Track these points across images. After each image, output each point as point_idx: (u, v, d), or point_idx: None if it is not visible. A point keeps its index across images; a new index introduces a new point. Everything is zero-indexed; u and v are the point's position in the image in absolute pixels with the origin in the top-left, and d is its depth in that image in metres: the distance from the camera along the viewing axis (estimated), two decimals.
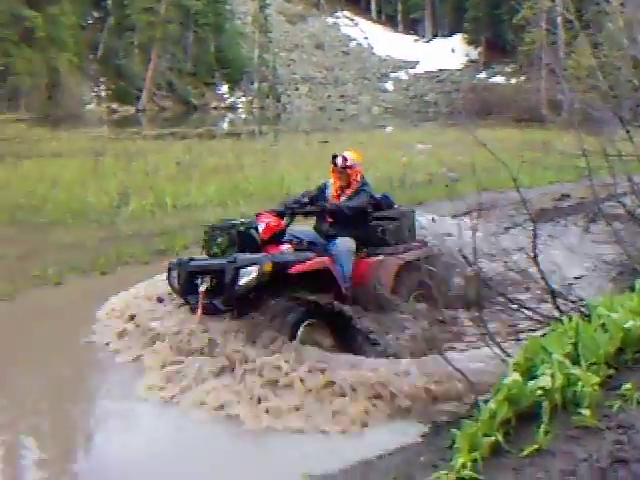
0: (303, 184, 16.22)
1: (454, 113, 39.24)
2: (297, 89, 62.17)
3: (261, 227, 6.80)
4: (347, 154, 7.40)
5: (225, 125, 42.52)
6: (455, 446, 3.94)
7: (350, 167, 7.32)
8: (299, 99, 60.64)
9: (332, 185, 7.51)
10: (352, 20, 74.62)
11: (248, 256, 6.42)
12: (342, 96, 62.57)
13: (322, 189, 7.59)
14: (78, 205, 13.65)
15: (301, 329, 6.24)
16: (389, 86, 65.42)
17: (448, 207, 12.56)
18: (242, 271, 6.26)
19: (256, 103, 56.59)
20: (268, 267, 6.28)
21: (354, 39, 72.10)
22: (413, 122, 45.07)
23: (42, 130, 30.73)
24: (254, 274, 6.24)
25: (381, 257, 7.25)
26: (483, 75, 61.71)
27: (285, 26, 69.50)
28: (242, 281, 6.25)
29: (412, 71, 66.60)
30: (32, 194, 14.64)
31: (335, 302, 6.53)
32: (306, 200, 7.33)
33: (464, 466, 3.59)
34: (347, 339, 6.42)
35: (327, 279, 6.74)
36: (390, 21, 76.82)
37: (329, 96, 62.26)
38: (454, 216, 11.45)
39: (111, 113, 47.63)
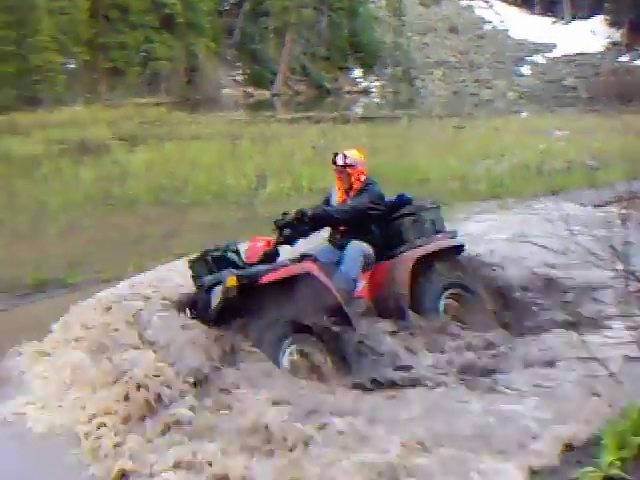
0: (438, 170, 16.09)
1: (594, 98, 37.80)
2: (431, 73, 61.31)
3: (243, 248, 6.38)
4: (347, 152, 6.80)
5: (358, 109, 42.48)
6: (602, 443, 3.81)
7: (350, 166, 6.69)
8: (432, 83, 59.80)
9: (337, 190, 6.92)
10: (487, 2, 72.89)
11: (213, 276, 6.03)
12: (476, 80, 61.28)
13: (327, 196, 7.06)
14: (217, 187, 14.01)
15: (286, 350, 5.77)
16: (525, 70, 63.56)
17: (589, 196, 12.19)
18: (212, 293, 5.96)
19: (389, 87, 56.24)
20: (232, 282, 5.76)
21: (489, 22, 70.38)
22: (550, 108, 43.65)
23: (181, 113, 31.68)
24: (219, 294, 5.86)
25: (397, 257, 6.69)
26: (626, 58, 59.06)
27: (418, 9, 68.63)
28: (213, 303, 5.92)
29: (549, 55, 64.43)
30: (174, 176, 15.17)
31: (323, 316, 5.97)
32: (292, 215, 6.62)
33: (612, 464, 3.46)
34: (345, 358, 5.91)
35: (316, 287, 6.07)
36: (526, 3, 74.43)
37: (463, 80, 61.09)
38: (597, 205, 11.08)
39: (247, 97, 48.55)
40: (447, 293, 6.74)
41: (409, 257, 6.57)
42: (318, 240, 7.15)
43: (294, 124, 27.62)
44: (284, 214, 6.63)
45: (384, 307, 6.51)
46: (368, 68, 58.03)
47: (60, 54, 41.66)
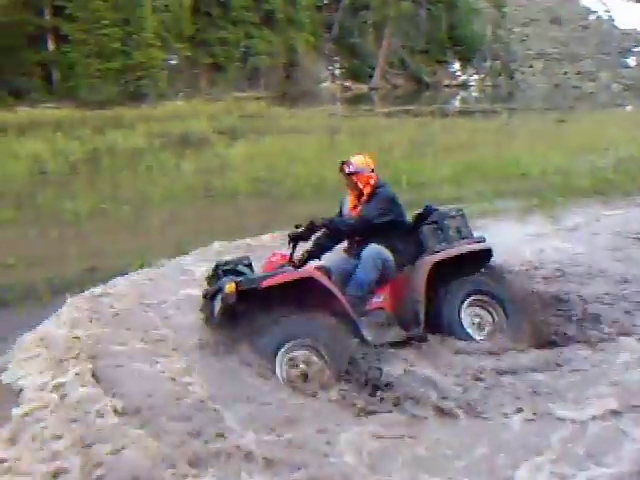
0: (539, 164, 15.73)
1: None
2: (531, 66, 60.20)
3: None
4: (352, 159, 6.54)
5: (457, 103, 42.01)
6: None
7: (355, 173, 6.46)
8: (533, 76, 58.67)
9: (349, 196, 6.72)
10: None
11: (215, 285, 6.07)
12: (579, 73, 59.76)
13: (340, 205, 6.83)
14: (316, 180, 14.05)
15: (283, 358, 5.60)
16: (631, 62, 61.62)
17: None
18: (215, 301, 5.97)
19: (488, 81, 55.43)
20: (230, 288, 5.72)
21: (594, 12, 68.54)
22: None
23: (280, 108, 32.02)
24: (220, 301, 5.85)
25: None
26: None
27: (520, 0, 67.36)
28: (215, 311, 5.95)
29: None
30: (273, 168, 15.34)
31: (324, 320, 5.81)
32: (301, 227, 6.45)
33: None
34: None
35: (320, 293, 5.91)
36: None
37: (565, 73, 59.69)
38: None
39: (345, 91, 48.64)
40: (470, 300, 6.42)
41: (427, 262, 6.30)
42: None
43: (392, 118, 27.54)
44: (296, 227, 6.43)
45: (403, 317, 6.27)
46: (467, 61, 57.36)
47: (163, 50, 42.75)
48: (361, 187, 6.48)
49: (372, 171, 6.57)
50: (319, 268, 6.25)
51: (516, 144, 19.36)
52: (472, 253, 6.50)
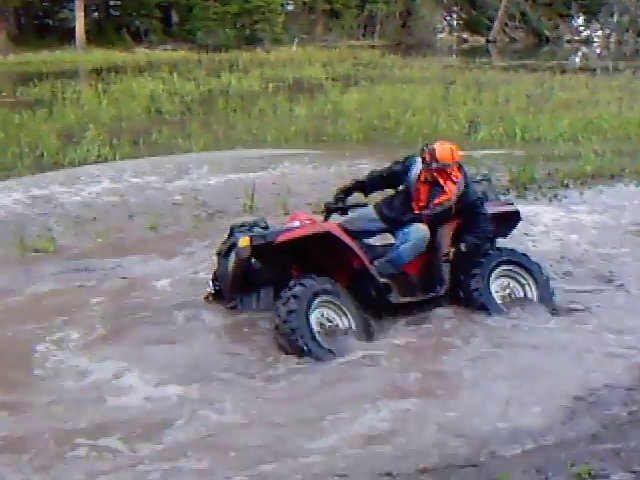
0: None
1: None
2: None
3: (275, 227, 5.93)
4: (437, 151, 5.86)
5: (577, 59, 40.50)
6: None
7: (438, 170, 5.87)
8: None
9: (420, 166, 6.08)
10: None
11: (229, 241, 5.85)
12: None
13: (407, 166, 6.14)
14: (429, 130, 13.89)
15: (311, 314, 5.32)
16: None
17: None
18: (229, 258, 5.74)
19: (614, 37, 53.07)
20: (244, 242, 5.47)
21: None
22: None
23: (395, 57, 31.69)
24: (233, 256, 5.64)
25: None
26: None
27: None
28: (229, 268, 5.72)
29: None
30: (386, 117, 15.23)
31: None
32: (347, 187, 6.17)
33: None
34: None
35: (338, 248, 5.66)
36: None
37: None
38: None
39: (461, 42, 47.61)
40: (499, 271, 6.16)
41: (450, 223, 6.05)
42: None
43: (509, 72, 26.84)
44: (338, 198, 6.16)
45: (428, 279, 6.05)
46: (592, 15, 54.97)
47: None
48: (442, 183, 5.93)
49: (459, 165, 6.02)
50: (339, 224, 5.94)
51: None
52: (499, 217, 6.28)
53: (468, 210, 6.02)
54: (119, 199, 9.61)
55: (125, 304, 6.18)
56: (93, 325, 5.75)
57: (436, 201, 6.00)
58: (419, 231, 5.96)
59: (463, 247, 5.96)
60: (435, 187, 6.00)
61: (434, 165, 5.84)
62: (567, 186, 10.74)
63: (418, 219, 6.04)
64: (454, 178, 5.94)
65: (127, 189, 10.06)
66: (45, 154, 12.06)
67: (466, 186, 6.02)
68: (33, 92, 19.96)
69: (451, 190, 5.95)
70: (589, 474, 3.85)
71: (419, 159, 6.05)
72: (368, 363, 5.20)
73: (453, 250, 5.97)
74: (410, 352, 5.40)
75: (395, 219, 6.12)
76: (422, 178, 6.02)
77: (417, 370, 5.11)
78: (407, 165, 6.15)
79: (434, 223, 6.03)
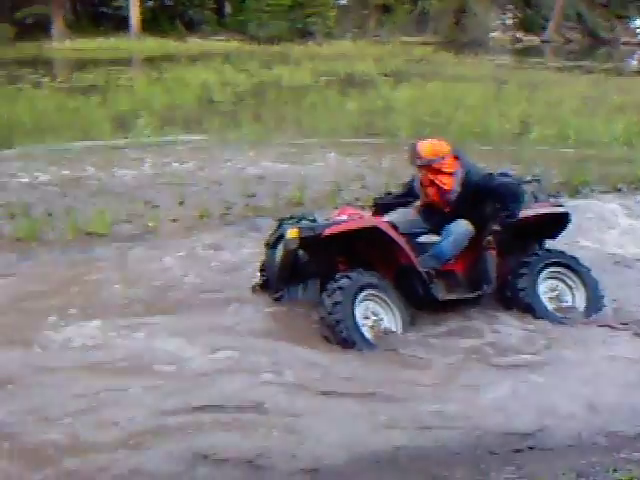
0: None
1: None
2: None
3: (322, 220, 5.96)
4: (420, 145, 5.89)
5: (634, 62, 39.81)
6: None
7: (426, 166, 5.88)
8: None
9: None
10: None
11: (277, 232, 5.93)
12: None
13: (412, 180, 6.38)
14: (480, 128, 13.76)
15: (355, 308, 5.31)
16: None
17: None
18: (277, 249, 5.81)
19: None
20: (293, 234, 5.49)
21: None
22: None
23: (447, 54, 31.47)
24: (281, 248, 5.71)
25: None
26: None
27: None
28: (277, 259, 5.77)
29: None
30: (437, 113, 15.15)
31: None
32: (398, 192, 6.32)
33: None
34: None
35: (385, 244, 5.66)
36: None
37: None
38: None
39: (515, 42, 47.01)
40: (547, 272, 6.07)
41: (487, 239, 5.97)
42: None
43: (564, 73, 26.50)
44: (387, 194, 6.34)
45: (474, 277, 6.01)
46: None
47: None
48: (436, 182, 5.93)
49: (455, 156, 5.99)
50: (387, 221, 5.92)
51: None
52: (548, 218, 6.25)
53: (482, 190, 5.95)
54: None
55: None
56: None
57: (441, 200, 6.03)
58: (460, 226, 5.93)
59: (495, 226, 5.92)
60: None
61: (418, 162, 5.88)
62: (620, 190, 10.59)
63: (444, 214, 6.04)
64: (447, 170, 5.89)
65: None
66: (98, 139, 12.23)
67: (467, 172, 5.96)
68: (88, 78, 20.24)
69: (447, 183, 5.92)
70: None
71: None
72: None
73: (490, 237, 5.94)
74: None
75: (436, 222, 6.10)
76: (424, 182, 6.09)
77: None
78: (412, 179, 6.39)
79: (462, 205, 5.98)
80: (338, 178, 10.06)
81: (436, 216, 6.09)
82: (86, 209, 8.46)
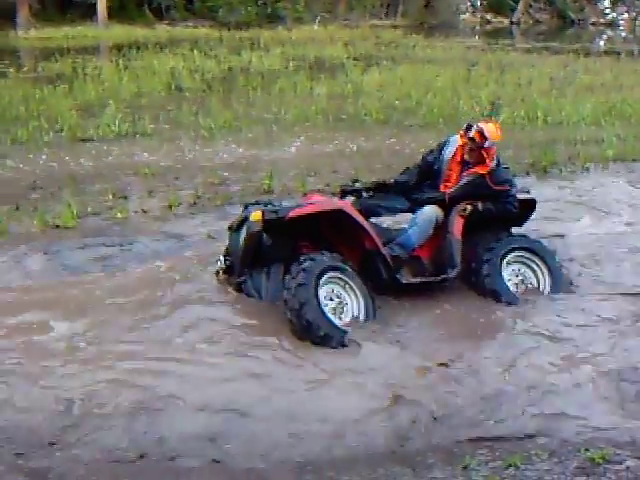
0: None
1: None
2: None
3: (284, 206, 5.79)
4: (485, 129, 5.88)
5: (602, 43, 40.00)
6: None
7: (486, 149, 5.88)
8: None
9: (457, 145, 6.11)
10: None
11: (240, 215, 5.85)
12: None
13: (441, 148, 6.25)
14: (450, 111, 13.80)
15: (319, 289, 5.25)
16: None
17: None
18: (240, 232, 5.71)
19: None
20: (256, 216, 5.43)
21: None
22: None
23: (417, 37, 31.46)
24: (244, 230, 5.62)
25: None
26: None
27: None
28: (240, 242, 5.67)
29: None
30: (406, 97, 15.16)
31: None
32: (364, 184, 6.23)
33: None
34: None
35: (350, 227, 5.66)
36: None
37: None
38: None
39: (484, 24, 47.06)
40: (512, 257, 6.09)
41: (464, 206, 6.00)
42: None
43: (532, 54, 26.58)
44: (354, 181, 6.28)
45: (440, 262, 6.00)
46: None
47: None
48: (488, 161, 5.95)
49: None
50: (351, 204, 5.91)
51: None
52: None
53: (497, 191, 6.01)
54: None
55: None
56: None
57: (465, 173, 6.03)
58: (425, 214, 5.99)
59: (480, 206, 5.97)
60: (467, 166, 6.03)
61: (486, 144, 5.85)
62: (588, 170, 10.68)
63: (439, 199, 6.03)
64: (494, 155, 5.99)
65: None
66: (65, 129, 12.09)
67: (497, 164, 6.05)
68: (54, 67, 19.96)
69: (488, 166, 5.97)
70: None
71: (454, 138, 6.13)
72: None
73: (470, 207, 5.96)
74: None
75: (417, 199, 6.12)
76: (458, 158, 6.07)
77: None
78: (443, 145, 6.24)
79: (458, 200, 6.01)
80: (308, 164, 10.04)
81: (419, 194, 6.13)
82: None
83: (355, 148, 11.39)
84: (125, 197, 8.75)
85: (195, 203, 8.58)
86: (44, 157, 10.58)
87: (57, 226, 7.72)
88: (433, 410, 4.49)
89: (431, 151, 6.34)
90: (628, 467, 3.91)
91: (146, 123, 12.53)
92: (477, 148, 5.90)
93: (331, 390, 4.67)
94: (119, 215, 8.09)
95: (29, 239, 7.35)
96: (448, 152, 6.13)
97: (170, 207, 8.41)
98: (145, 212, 8.29)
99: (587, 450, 4.06)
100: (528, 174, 10.19)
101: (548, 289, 6.11)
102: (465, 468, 3.94)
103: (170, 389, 4.54)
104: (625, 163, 11.02)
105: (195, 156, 10.77)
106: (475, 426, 4.39)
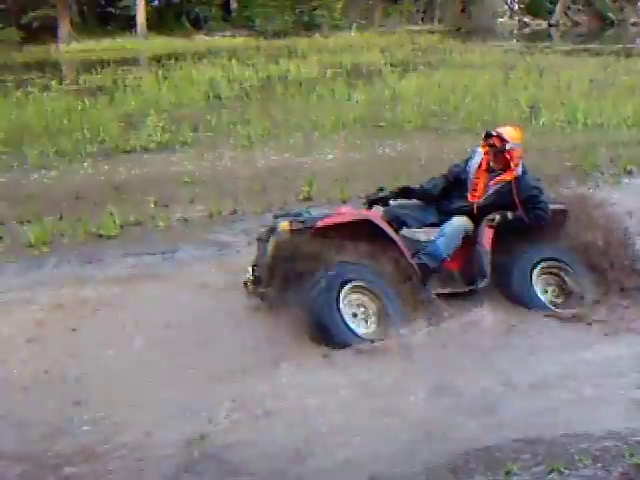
0: None
1: None
2: None
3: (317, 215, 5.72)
4: (504, 133, 5.85)
5: None
6: None
7: (510, 150, 5.79)
8: None
9: (481, 155, 6.02)
10: None
11: (269, 225, 5.80)
12: None
13: (467, 159, 6.17)
14: (489, 115, 13.71)
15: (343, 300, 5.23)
16: None
17: None
18: (269, 242, 5.63)
19: None
20: (284, 226, 5.44)
21: None
22: None
23: (454, 42, 31.41)
24: (272, 241, 5.56)
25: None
26: None
27: None
28: (268, 252, 5.60)
29: None
30: (445, 102, 15.12)
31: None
32: (392, 191, 6.11)
33: None
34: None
35: (378, 237, 5.59)
36: None
37: None
38: None
39: (522, 27, 46.79)
40: (541, 267, 5.95)
41: (493, 216, 5.89)
42: None
43: (572, 56, 26.33)
44: (380, 189, 6.13)
45: (470, 272, 5.91)
46: None
47: None
48: (512, 165, 5.85)
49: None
50: (380, 215, 5.89)
51: None
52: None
53: (524, 199, 5.90)
54: None
55: None
56: None
57: (492, 182, 5.95)
58: (453, 224, 5.91)
59: (510, 215, 5.88)
60: (494, 174, 5.95)
61: (508, 146, 5.81)
62: (630, 172, 10.56)
63: (467, 209, 6.00)
64: (519, 158, 5.89)
65: None
66: (107, 140, 12.27)
67: (524, 172, 5.96)
68: (95, 79, 20.30)
69: (514, 171, 5.88)
70: None
71: (479, 149, 6.06)
72: None
73: (499, 217, 5.88)
74: None
75: (446, 210, 6.07)
76: (484, 166, 6.00)
77: None
78: (467, 159, 6.18)
79: (487, 210, 5.93)
80: (347, 171, 10.06)
81: (448, 205, 6.07)
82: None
83: (393, 154, 11.40)
84: (167, 206, 8.85)
85: (235, 211, 8.66)
86: (87, 168, 10.77)
87: (100, 235, 7.85)
88: None
89: (457, 164, 6.28)
90: None
91: (186, 133, 12.67)
92: (500, 152, 5.85)
93: None
94: (161, 224, 8.20)
95: (72, 248, 7.49)
96: (474, 162, 6.09)
97: (211, 215, 8.50)
98: (186, 220, 8.39)
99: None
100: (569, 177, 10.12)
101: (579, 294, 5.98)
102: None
103: None
104: None
105: (235, 164, 10.87)
106: None
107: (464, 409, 4.45)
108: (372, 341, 5.20)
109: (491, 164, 5.96)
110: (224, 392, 4.62)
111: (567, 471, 3.87)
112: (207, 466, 3.96)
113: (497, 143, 5.83)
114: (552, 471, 3.87)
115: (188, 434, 4.17)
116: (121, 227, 8.04)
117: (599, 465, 3.95)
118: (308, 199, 9.01)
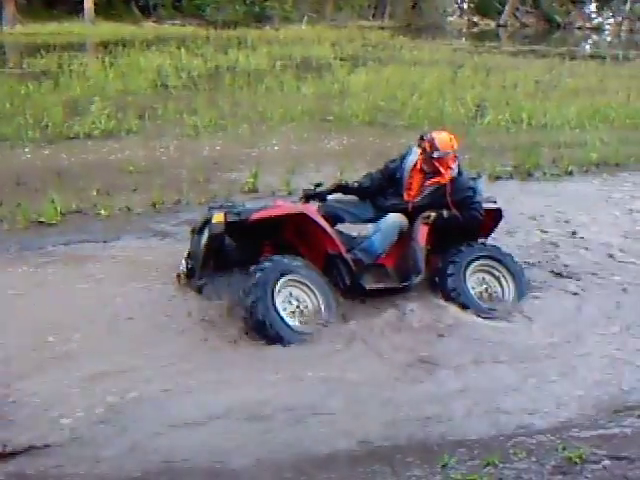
0: None
1: None
2: None
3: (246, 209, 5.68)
4: (436, 140, 5.86)
5: (588, 47, 40.23)
6: None
7: (439, 158, 5.86)
8: None
9: (417, 155, 6.08)
10: None
11: (204, 217, 5.77)
12: None
13: (403, 156, 6.21)
14: (435, 113, 13.86)
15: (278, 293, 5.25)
16: None
17: None
18: (202, 234, 5.66)
19: (626, 25, 52.56)
20: (219, 218, 5.41)
21: None
22: None
23: (404, 39, 31.59)
24: (206, 232, 5.56)
25: None
26: None
27: None
28: (202, 243, 5.62)
29: None
30: (392, 98, 15.19)
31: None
32: (329, 187, 6.19)
33: None
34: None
35: (313, 231, 5.66)
36: None
37: None
38: None
39: (471, 26, 47.29)
40: (475, 266, 6.04)
41: (428, 213, 5.98)
42: None
43: (518, 57, 26.76)
44: (317, 185, 6.17)
45: (404, 269, 5.97)
46: (604, 3, 54.47)
47: None
48: (442, 171, 5.90)
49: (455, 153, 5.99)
50: (315, 209, 5.92)
51: None
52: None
53: (459, 199, 5.97)
54: None
55: None
56: None
57: (427, 183, 6.00)
58: (388, 221, 5.98)
59: (445, 214, 5.95)
60: (428, 175, 6.02)
61: (435, 154, 5.84)
62: (571, 173, 10.77)
63: (403, 207, 6.04)
64: (453, 165, 5.94)
65: None
66: (50, 126, 12.04)
67: (459, 173, 6.03)
68: (40, 64, 19.85)
69: (447, 175, 5.93)
70: None
71: (415, 148, 6.10)
72: None
73: (434, 214, 5.94)
74: None
75: (382, 206, 6.12)
76: (419, 166, 6.05)
77: None
78: (403, 155, 6.22)
79: (421, 210, 6.00)
80: (293, 163, 10.04)
81: (384, 202, 6.12)
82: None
83: (340, 148, 11.42)
84: (109, 194, 8.72)
85: (179, 201, 8.58)
86: (28, 153, 10.55)
87: (40, 222, 7.71)
88: None
89: (393, 160, 6.30)
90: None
91: (132, 120, 12.48)
92: (429, 158, 5.90)
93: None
94: (103, 212, 8.08)
95: (11, 235, 7.34)
96: (409, 161, 6.13)
97: (154, 205, 8.41)
98: (129, 209, 8.28)
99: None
100: (512, 177, 10.28)
101: (512, 295, 6.08)
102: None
103: None
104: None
105: (180, 154, 10.75)
106: None
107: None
108: (299, 333, 5.20)
109: (423, 166, 6.02)
110: None
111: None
112: None
113: (427, 148, 5.88)
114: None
115: None
116: (62, 214, 7.89)
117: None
118: (253, 190, 9.00)
